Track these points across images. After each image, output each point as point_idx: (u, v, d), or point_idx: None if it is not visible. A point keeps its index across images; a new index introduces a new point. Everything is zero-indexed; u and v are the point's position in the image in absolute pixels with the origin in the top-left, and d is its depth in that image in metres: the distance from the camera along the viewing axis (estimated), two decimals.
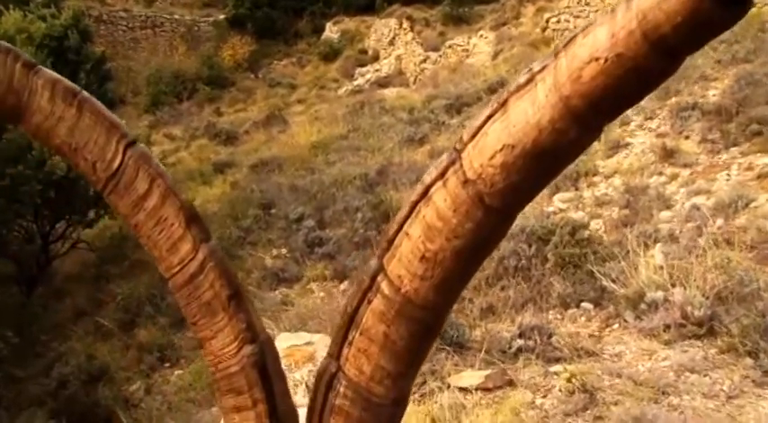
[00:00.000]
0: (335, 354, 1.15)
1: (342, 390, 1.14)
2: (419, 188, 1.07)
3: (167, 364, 8.72)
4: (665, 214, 7.53)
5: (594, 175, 9.51)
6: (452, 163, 1.03)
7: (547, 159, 0.97)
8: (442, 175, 1.04)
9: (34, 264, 11.39)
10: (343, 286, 8.75)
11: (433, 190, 1.05)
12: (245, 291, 1.24)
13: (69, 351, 9.10)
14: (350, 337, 1.13)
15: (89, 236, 12.27)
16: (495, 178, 0.98)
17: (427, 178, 1.06)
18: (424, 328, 1.11)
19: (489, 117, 1.00)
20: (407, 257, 1.07)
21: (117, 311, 9.98)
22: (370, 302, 1.11)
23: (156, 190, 1.19)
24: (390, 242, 1.09)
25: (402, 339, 1.10)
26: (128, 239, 12.14)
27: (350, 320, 1.13)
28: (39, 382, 8.49)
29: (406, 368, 1.13)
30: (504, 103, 0.99)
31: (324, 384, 1.16)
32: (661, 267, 5.48)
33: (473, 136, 1.01)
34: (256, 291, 8.98)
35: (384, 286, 1.09)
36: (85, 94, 1.18)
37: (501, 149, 0.98)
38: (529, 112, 0.95)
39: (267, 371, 1.22)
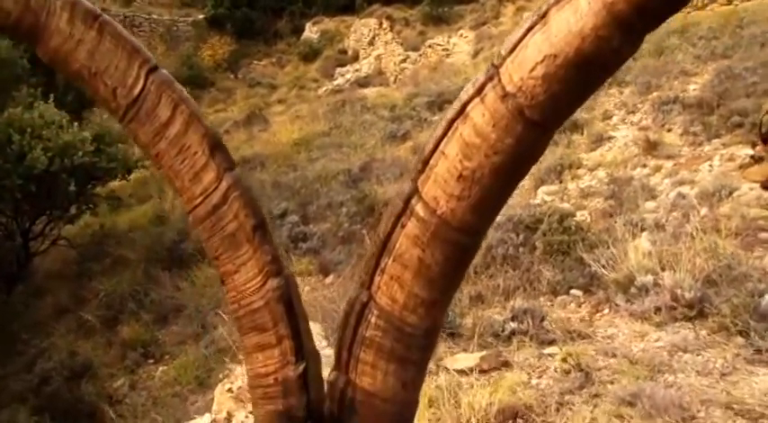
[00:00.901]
0: (367, 283, 1.12)
1: (373, 320, 1.11)
2: (455, 106, 1.04)
3: (151, 361, 8.62)
4: (650, 204, 7.58)
5: (578, 167, 9.55)
6: (490, 79, 1.01)
7: (589, 69, 0.95)
8: (480, 91, 1.02)
9: (14, 261, 11.20)
10: (328, 280, 8.71)
11: (470, 107, 1.02)
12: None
13: (51, 347, 8.97)
14: (382, 265, 1.10)
15: (70, 233, 12.10)
16: (536, 90, 0.96)
17: (464, 95, 1.04)
18: (461, 252, 1.08)
19: (528, 30, 0.98)
20: (444, 177, 1.04)
21: (99, 308, 9.85)
22: (403, 227, 1.08)
23: (179, 117, 1.15)
24: (425, 163, 1.06)
25: (437, 264, 1.07)
26: (109, 237, 12.03)
27: (382, 247, 1.10)
28: (20, 378, 8.36)
29: (441, 295, 1.10)
30: (544, 15, 0.97)
31: (354, 316, 1.13)
32: (650, 253, 5.50)
33: (511, 50, 0.99)
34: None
35: (419, 209, 1.06)
36: (106, 17, 1.14)
37: (542, 60, 0.95)
38: (571, 21, 0.93)
39: (293, 306, 1.18)
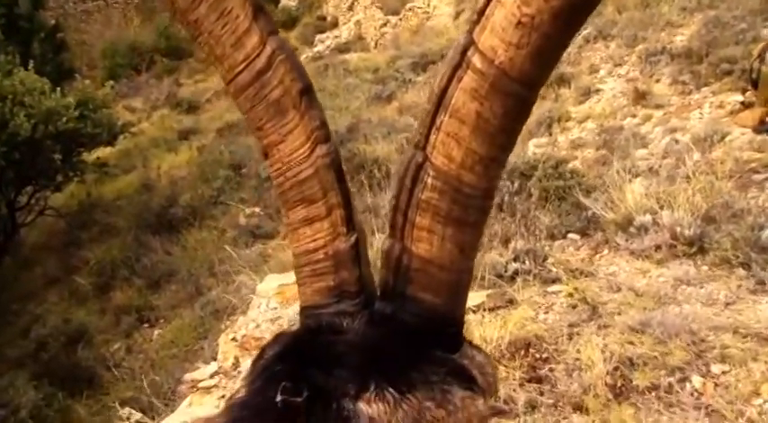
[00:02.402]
0: (422, 143, 1.08)
1: (429, 181, 1.07)
2: None
3: (146, 325, 8.62)
4: (642, 152, 7.59)
5: (567, 120, 9.54)
6: None
7: None
8: None
9: (0, 233, 11.07)
10: None
11: None
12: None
13: (45, 314, 8.93)
14: (438, 122, 1.06)
15: (57, 203, 12.00)
16: None
17: None
18: (519, 104, 1.04)
19: None
20: (501, 25, 1.00)
21: (90, 276, 9.80)
22: (460, 80, 1.04)
23: None
24: (481, 13, 1.02)
25: (496, 118, 1.03)
26: (96, 205, 11.94)
27: (438, 103, 1.06)
28: (17, 344, 8.32)
29: (498, 152, 1.07)
30: None
31: (409, 178, 1.09)
32: (647, 194, 5.52)
33: None
34: (233, 248, 8.86)
35: (476, 60, 1.02)
36: None
37: None
38: None
39: (342, 173, 1.14)
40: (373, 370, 0.98)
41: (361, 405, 0.93)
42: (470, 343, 1.24)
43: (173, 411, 4.49)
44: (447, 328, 1.15)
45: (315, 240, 1.16)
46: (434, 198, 1.08)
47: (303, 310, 1.21)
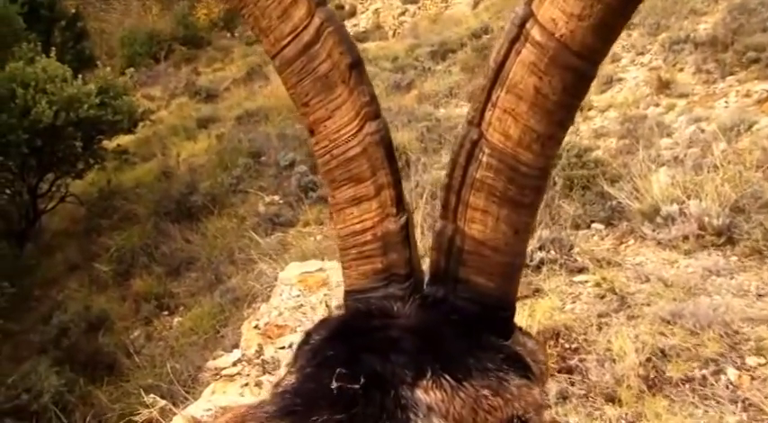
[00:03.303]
0: (476, 120, 1.03)
1: (485, 160, 1.03)
2: None
3: (166, 313, 8.63)
4: (667, 141, 7.49)
5: (589, 109, 9.44)
6: None
7: None
8: None
9: (22, 219, 11.14)
10: None
11: None
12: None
13: (66, 300, 8.98)
14: (494, 98, 1.01)
15: (77, 190, 12.05)
16: None
17: None
18: (579, 79, 0.99)
19: None
20: None
21: (110, 263, 9.84)
22: (518, 54, 0.99)
23: None
24: None
25: (555, 93, 0.99)
26: (116, 193, 11.98)
27: (494, 78, 1.01)
28: (38, 330, 8.37)
29: (556, 129, 1.02)
30: None
31: (464, 156, 1.04)
32: (673, 184, 5.44)
33: None
34: (252, 235, 8.86)
35: (535, 32, 0.97)
36: None
37: None
38: None
39: (392, 151, 1.09)
40: (429, 356, 0.94)
41: (419, 393, 0.89)
42: (521, 329, 1.20)
43: (194, 399, 4.47)
44: (500, 312, 1.11)
45: (362, 221, 1.12)
46: (490, 177, 1.03)
47: (349, 293, 1.16)
